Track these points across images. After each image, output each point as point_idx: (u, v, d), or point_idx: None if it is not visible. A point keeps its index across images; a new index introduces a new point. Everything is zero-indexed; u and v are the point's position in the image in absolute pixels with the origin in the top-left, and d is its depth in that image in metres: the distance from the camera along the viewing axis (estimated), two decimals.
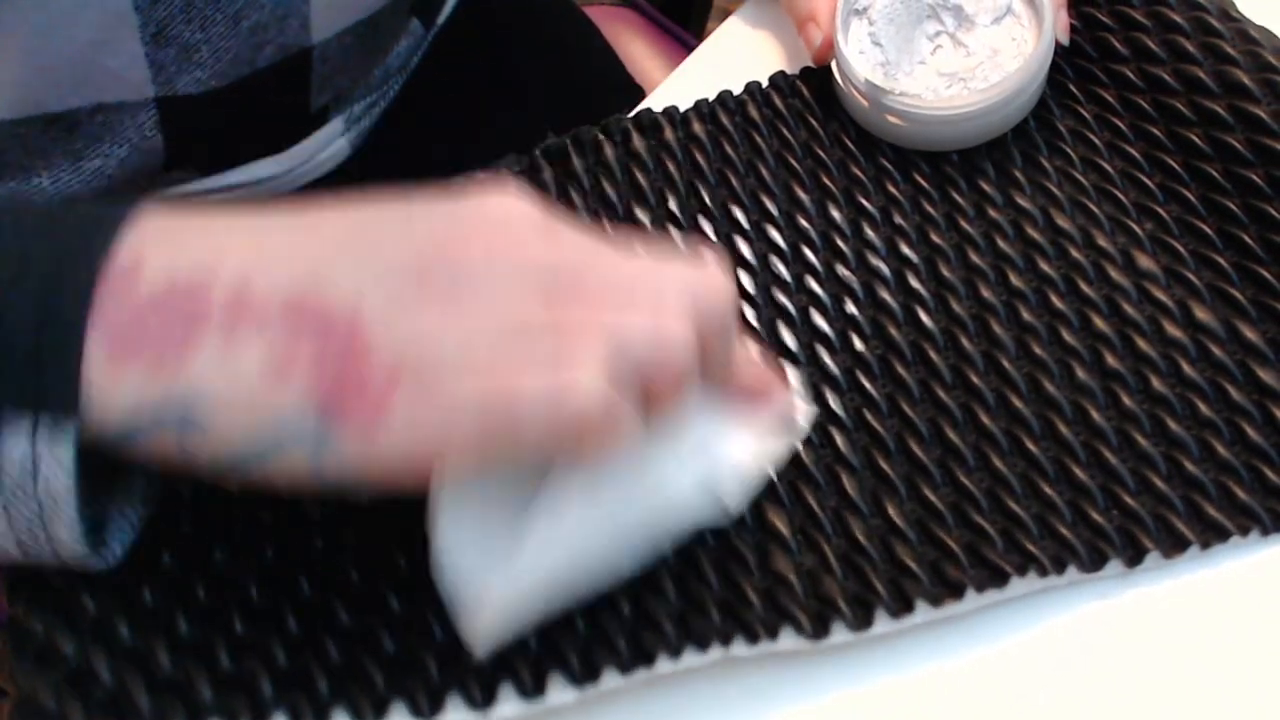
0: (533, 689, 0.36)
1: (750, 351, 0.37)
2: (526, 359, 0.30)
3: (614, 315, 0.31)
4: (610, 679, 0.36)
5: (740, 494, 0.37)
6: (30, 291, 0.29)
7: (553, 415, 0.29)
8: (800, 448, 0.41)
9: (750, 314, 0.44)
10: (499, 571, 0.33)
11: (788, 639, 0.36)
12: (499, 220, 0.32)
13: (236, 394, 0.29)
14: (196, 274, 0.30)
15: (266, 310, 0.30)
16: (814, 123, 0.49)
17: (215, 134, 0.51)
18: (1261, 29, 0.47)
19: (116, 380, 0.29)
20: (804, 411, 0.40)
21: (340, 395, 0.29)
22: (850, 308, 0.44)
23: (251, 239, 0.31)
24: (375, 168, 0.59)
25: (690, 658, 0.36)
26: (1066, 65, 0.49)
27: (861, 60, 0.48)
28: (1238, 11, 0.47)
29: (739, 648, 0.36)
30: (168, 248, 0.31)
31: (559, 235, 0.32)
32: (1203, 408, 0.40)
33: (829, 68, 0.49)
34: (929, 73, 0.48)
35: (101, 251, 0.30)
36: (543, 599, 0.35)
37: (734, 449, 0.36)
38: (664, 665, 0.36)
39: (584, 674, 0.36)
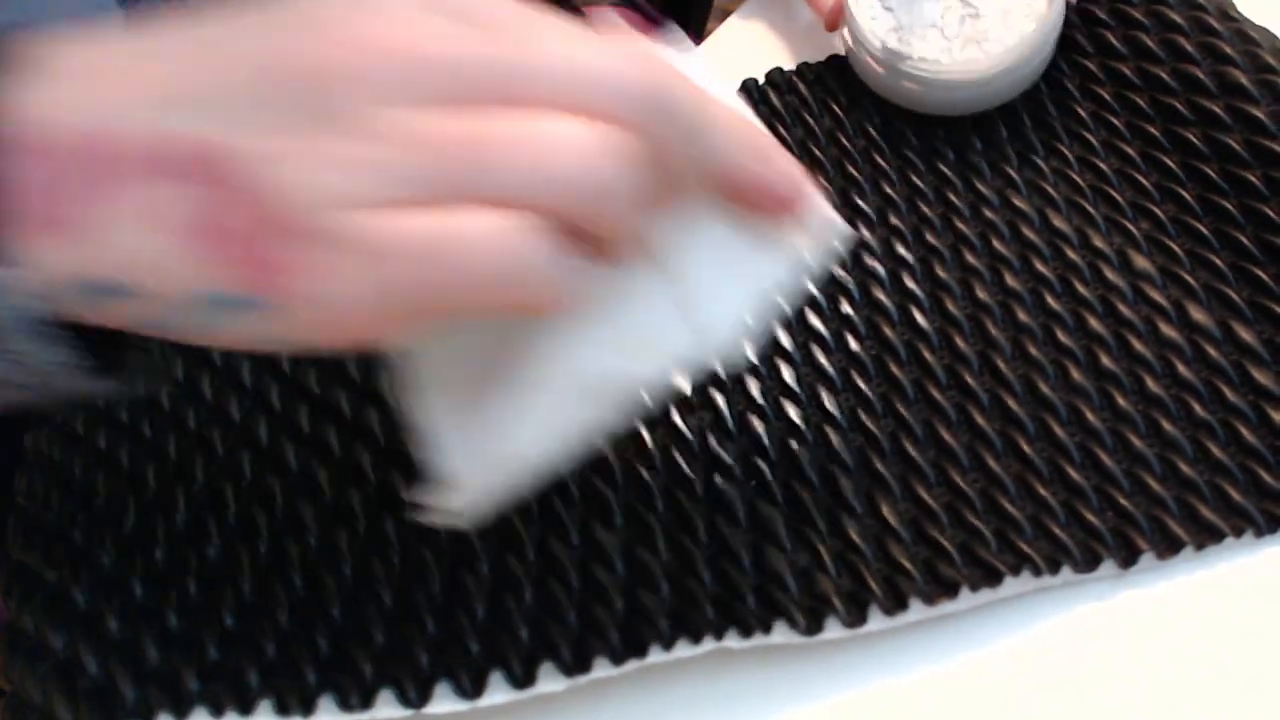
0: (523, 678, 0.35)
1: (756, 143, 0.30)
2: (454, 199, 0.25)
3: (546, 146, 0.25)
4: (601, 669, 0.36)
5: (742, 327, 0.31)
6: None
7: (498, 267, 0.25)
8: (795, 446, 0.41)
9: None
10: (479, 434, 0.30)
11: (781, 633, 0.36)
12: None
13: (139, 258, 0.26)
14: (100, 127, 0.26)
15: (135, 154, 0.26)
16: (810, 121, 0.49)
17: None
18: (1260, 29, 0.47)
19: (35, 248, 0.26)
20: (832, 221, 0.31)
21: (242, 252, 0.26)
22: (845, 307, 0.44)
23: (156, 86, 0.27)
24: None
25: (683, 649, 0.36)
26: (1063, 62, 0.49)
27: (875, 25, 0.48)
28: (1237, 11, 0.47)
29: (732, 639, 0.36)
30: (67, 94, 0.26)
31: (439, 22, 0.27)
32: (1198, 409, 0.40)
33: (827, 65, 0.49)
34: (939, 36, 0.48)
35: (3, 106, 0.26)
36: (527, 455, 0.31)
37: (735, 272, 0.30)
38: (656, 655, 0.36)
39: (575, 664, 0.36)
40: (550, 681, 0.35)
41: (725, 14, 0.58)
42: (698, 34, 0.80)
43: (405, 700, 0.35)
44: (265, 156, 0.25)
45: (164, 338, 0.28)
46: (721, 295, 0.30)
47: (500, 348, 0.30)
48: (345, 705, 0.35)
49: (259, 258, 0.26)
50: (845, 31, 0.49)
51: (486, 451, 0.31)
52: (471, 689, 0.35)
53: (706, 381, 0.43)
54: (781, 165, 0.30)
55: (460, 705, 0.35)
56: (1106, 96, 0.48)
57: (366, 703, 0.35)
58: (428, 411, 0.31)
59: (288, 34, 0.27)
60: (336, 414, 0.43)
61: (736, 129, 0.29)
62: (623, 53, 0.27)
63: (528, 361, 0.30)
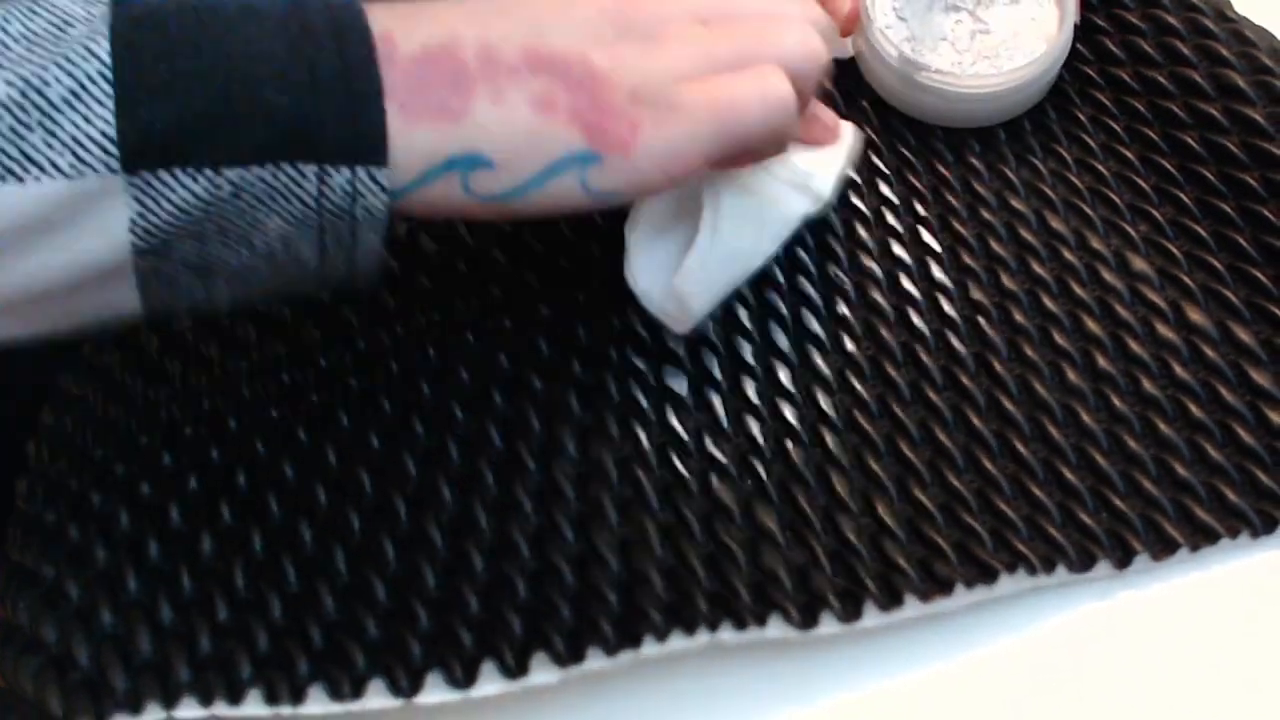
0: (516, 669, 0.35)
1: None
2: (728, 68, 0.36)
3: (774, 37, 0.38)
4: (595, 660, 0.36)
5: (826, 186, 0.43)
6: (329, 51, 0.33)
7: (766, 108, 0.36)
8: (791, 446, 0.41)
9: (744, 314, 0.44)
10: (683, 258, 0.42)
11: (776, 627, 0.36)
12: None
13: (515, 133, 0.34)
14: (444, 39, 0.34)
15: (514, 63, 0.35)
16: None
17: None
18: (1258, 29, 0.47)
19: (409, 135, 0.33)
20: (850, 127, 0.45)
21: (598, 120, 0.35)
22: (842, 308, 0.44)
23: (469, 13, 0.36)
24: None
25: (677, 641, 0.36)
26: (1063, 68, 0.49)
27: (891, 34, 0.48)
28: (1234, 11, 0.47)
29: (727, 633, 0.36)
30: (403, 23, 0.34)
31: None
32: (1195, 410, 0.40)
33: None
34: (950, 49, 0.48)
35: (362, 20, 0.34)
36: (720, 272, 0.42)
37: (810, 156, 0.43)
38: (650, 647, 0.36)
39: (569, 655, 0.36)
40: (543, 673, 0.35)
41: None
42: None
43: (396, 689, 0.35)
44: (611, 55, 0.35)
45: (490, 217, 0.37)
46: (809, 162, 0.43)
47: (691, 197, 0.42)
48: (336, 694, 0.35)
49: (611, 122, 0.35)
50: (859, 37, 0.49)
51: (691, 267, 0.41)
52: (463, 679, 0.35)
53: (702, 382, 0.43)
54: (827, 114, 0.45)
55: (452, 695, 0.35)
56: (1105, 100, 0.48)
57: (357, 692, 0.35)
58: (643, 261, 0.43)
59: None
60: (329, 412, 0.43)
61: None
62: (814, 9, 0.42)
63: (711, 214, 0.42)
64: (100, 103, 0.30)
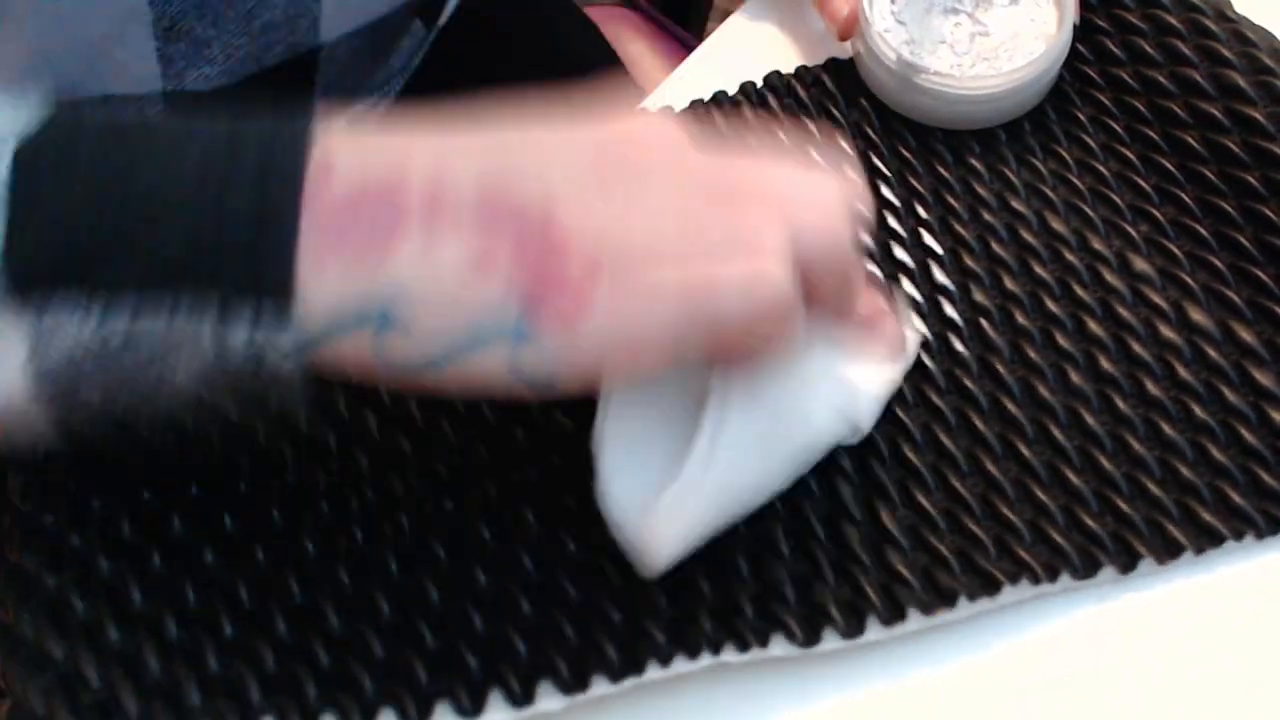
0: (522, 697, 0.36)
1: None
2: (716, 249, 0.31)
3: (785, 211, 0.32)
4: (600, 687, 0.36)
5: (869, 414, 0.38)
6: (245, 184, 0.29)
7: (749, 301, 0.30)
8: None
9: None
10: (667, 486, 0.34)
11: (779, 646, 0.36)
12: (662, 131, 0.33)
13: (439, 290, 0.30)
14: (388, 175, 0.30)
15: (461, 207, 0.30)
16: (809, 124, 0.49)
17: None
18: (1259, 29, 0.46)
19: (321, 275, 0.29)
20: (914, 337, 0.41)
21: (541, 287, 0.30)
22: None
23: (433, 145, 0.32)
24: None
25: (681, 664, 0.36)
26: (1063, 68, 0.49)
27: (890, 37, 0.48)
28: (1234, 11, 0.47)
29: (729, 654, 0.36)
30: (354, 152, 0.31)
31: (716, 149, 0.33)
32: (1198, 411, 0.40)
33: (825, 69, 0.49)
34: (950, 52, 0.48)
35: (301, 150, 0.30)
36: (710, 513, 0.35)
37: (859, 372, 0.37)
38: (654, 673, 0.36)
39: (574, 682, 0.36)
40: (549, 700, 0.36)
41: (725, 14, 0.58)
42: (698, 34, 0.80)
43: (406, 718, 0.36)
44: (581, 213, 0.30)
45: (406, 383, 0.31)
46: (848, 379, 0.37)
47: (684, 408, 0.35)
48: None
49: (555, 291, 0.29)
50: (857, 41, 0.49)
51: (676, 494, 0.34)
52: (471, 707, 0.36)
53: None
54: (879, 298, 0.39)
55: None
56: (1105, 100, 0.48)
57: (367, 719, 0.35)
58: (617, 463, 0.35)
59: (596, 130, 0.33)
60: (335, 419, 0.43)
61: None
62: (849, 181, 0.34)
63: (716, 417, 0.34)
64: None
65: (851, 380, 0.37)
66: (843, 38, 0.49)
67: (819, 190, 0.33)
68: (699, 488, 0.34)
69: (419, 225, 0.30)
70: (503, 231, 0.30)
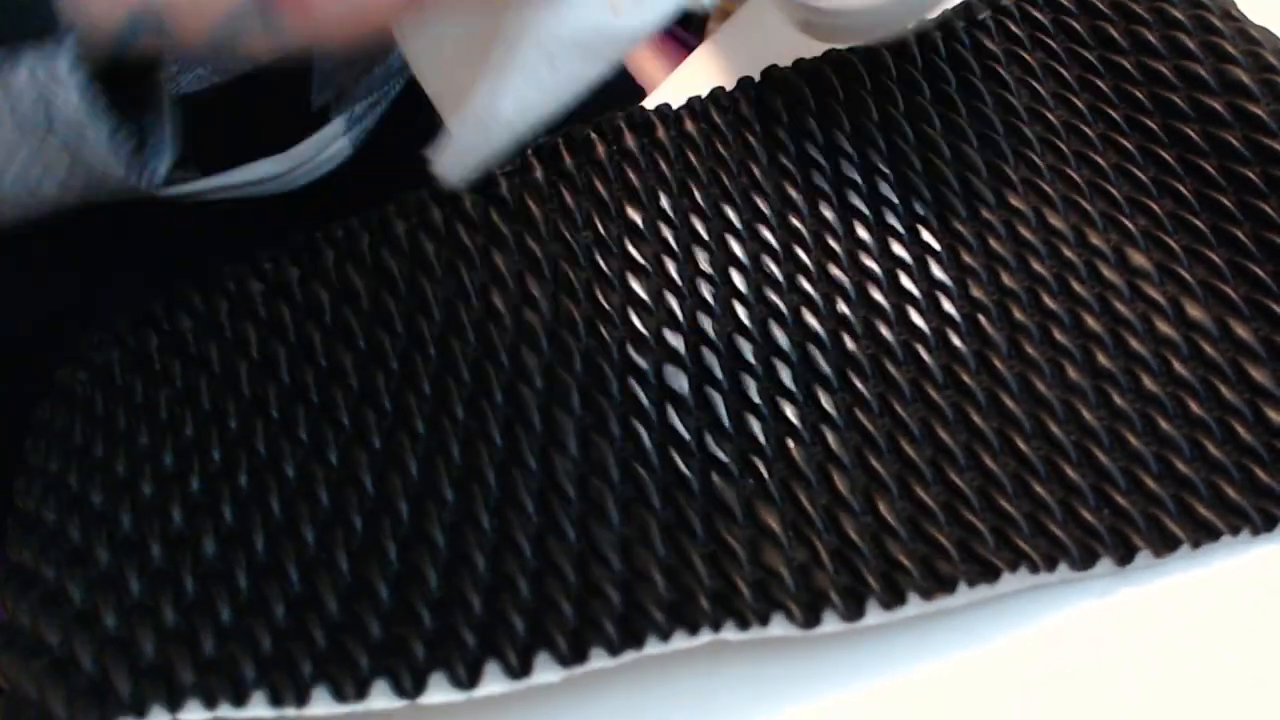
0: (519, 669, 0.35)
1: None
2: None
3: None
4: (598, 660, 0.36)
5: None
6: None
7: None
8: (792, 445, 0.41)
9: (743, 313, 0.44)
10: (473, 98, 0.36)
11: (779, 626, 0.36)
12: None
13: (188, 4, 0.34)
14: None
15: None
16: (809, 120, 0.49)
17: (216, 133, 0.52)
18: (1262, 29, 0.47)
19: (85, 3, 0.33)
20: None
21: None
22: (842, 307, 0.44)
23: None
24: (374, 169, 0.59)
25: (680, 640, 0.36)
26: (1063, 52, 0.49)
27: None
28: (1238, 11, 0.47)
29: (729, 632, 0.36)
30: None
31: None
32: (1195, 407, 0.40)
33: (823, 60, 0.49)
34: None
35: None
36: (518, 113, 0.36)
37: None
38: (653, 647, 0.36)
39: (572, 655, 0.36)
40: (546, 672, 0.35)
41: (725, 14, 0.58)
42: (697, 34, 0.80)
43: (400, 690, 0.35)
44: None
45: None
46: None
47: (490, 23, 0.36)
48: (340, 696, 0.35)
49: None
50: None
51: (480, 113, 0.36)
52: (467, 679, 0.35)
53: (703, 381, 0.43)
54: None
55: (456, 696, 0.35)
56: (1105, 88, 0.48)
57: (361, 693, 0.35)
58: (432, 83, 0.38)
59: None
60: (329, 412, 0.43)
61: None
62: None
63: (517, 24, 0.35)
64: None
65: None
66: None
67: None
68: (494, 99, 0.35)
69: None
70: None
